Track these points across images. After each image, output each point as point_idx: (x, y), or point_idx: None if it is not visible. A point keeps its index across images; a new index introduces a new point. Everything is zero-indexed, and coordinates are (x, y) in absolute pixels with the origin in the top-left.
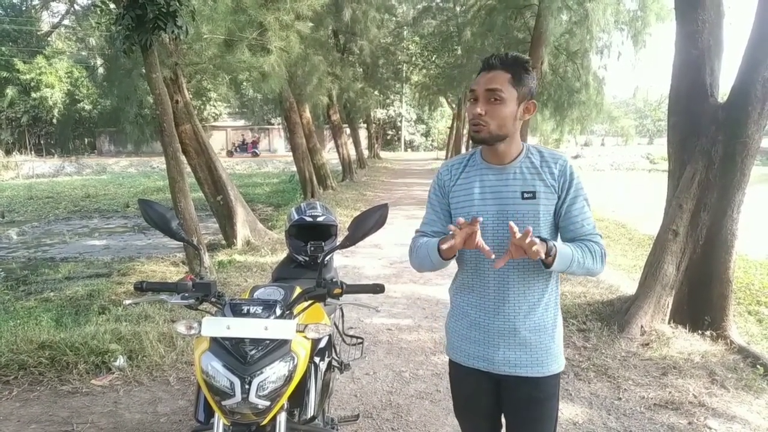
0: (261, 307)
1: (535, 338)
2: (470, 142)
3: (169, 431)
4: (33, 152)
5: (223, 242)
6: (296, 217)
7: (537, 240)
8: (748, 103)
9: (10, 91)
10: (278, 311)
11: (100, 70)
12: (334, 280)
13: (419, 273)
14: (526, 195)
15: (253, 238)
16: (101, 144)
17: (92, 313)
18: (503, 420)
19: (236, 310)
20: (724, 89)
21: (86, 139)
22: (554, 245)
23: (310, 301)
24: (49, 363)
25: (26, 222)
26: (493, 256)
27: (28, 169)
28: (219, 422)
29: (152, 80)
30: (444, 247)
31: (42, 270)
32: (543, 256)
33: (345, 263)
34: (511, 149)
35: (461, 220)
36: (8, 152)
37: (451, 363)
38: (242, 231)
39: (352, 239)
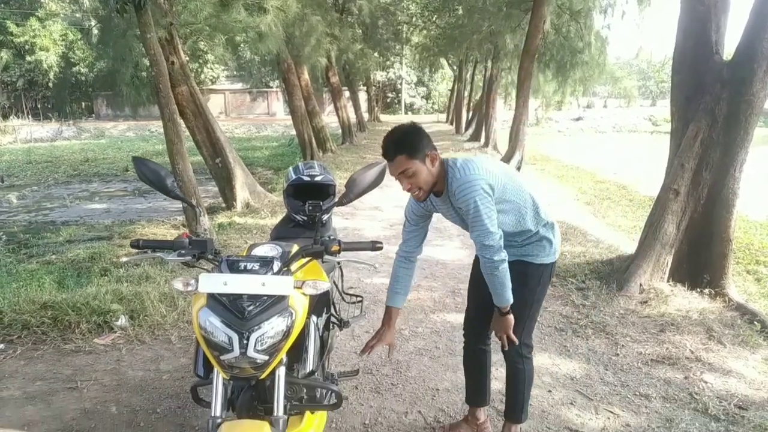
0: (258, 264)
1: (526, 241)
2: (471, 105)
3: (171, 388)
4: (30, 116)
5: (223, 205)
6: (294, 176)
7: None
8: (753, 61)
9: (4, 55)
10: (275, 267)
11: (95, 32)
12: (332, 238)
13: None
14: (460, 210)
15: (253, 201)
16: (99, 108)
17: (94, 274)
18: None
19: (233, 267)
20: (729, 48)
21: (83, 103)
22: (506, 306)
23: (307, 258)
24: (51, 323)
25: (26, 186)
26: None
27: (26, 134)
28: (218, 377)
29: (147, 41)
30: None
31: (43, 233)
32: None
33: (345, 225)
34: (442, 184)
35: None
36: (5, 116)
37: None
38: (241, 193)
39: (348, 197)
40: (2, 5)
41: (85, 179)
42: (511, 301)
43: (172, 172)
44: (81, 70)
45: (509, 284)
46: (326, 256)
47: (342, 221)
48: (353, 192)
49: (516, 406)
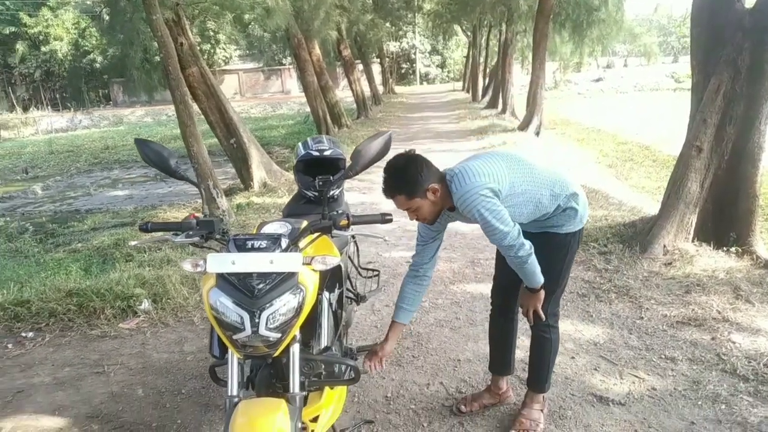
0: (265, 242)
1: (553, 213)
2: (487, 72)
3: (195, 369)
4: (50, 107)
5: (241, 186)
6: (303, 152)
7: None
8: None
9: (20, 47)
10: (284, 244)
11: (105, 18)
12: (341, 212)
13: None
14: (470, 221)
15: (270, 180)
16: (116, 95)
17: (118, 261)
18: None
19: (241, 246)
20: None
21: (100, 91)
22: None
23: (316, 234)
24: (77, 309)
25: (49, 177)
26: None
27: (47, 125)
28: (233, 356)
29: (153, 22)
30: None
31: (69, 222)
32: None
33: (362, 200)
34: (451, 202)
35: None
36: (25, 109)
37: None
38: (258, 173)
39: (354, 169)
40: None
41: (106, 167)
42: (542, 281)
43: (187, 154)
44: (96, 58)
45: (539, 269)
46: (336, 231)
47: (359, 196)
48: (359, 164)
49: (541, 376)
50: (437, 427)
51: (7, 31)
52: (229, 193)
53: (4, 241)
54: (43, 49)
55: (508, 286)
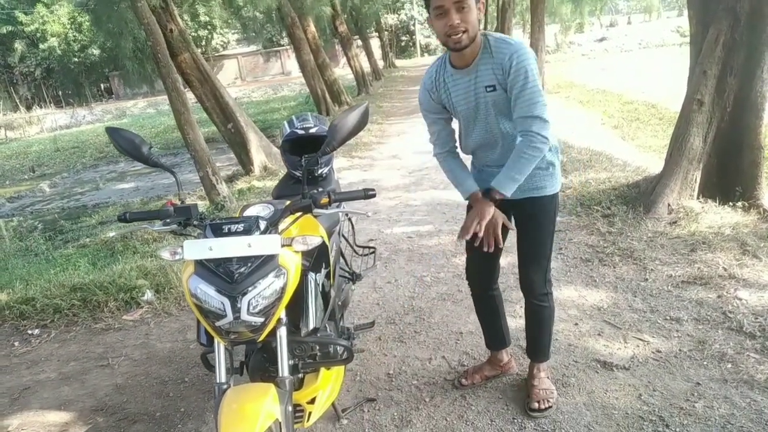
0: (243, 225)
1: (532, 171)
2: None
3: (198, 356)
4: (53, 104)
5: (242, 172)
6: (288, 131)
7: (483, 219)
8: None
9: (18, 45)
10: (262, 227)
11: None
12: (323, 190)
13: (439, 179)
14: (489, 88)
15: (270, 163)
16: (117, 88)
17: (123, 254)
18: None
19: (217, 231)
20: None
21: (102, 85)
22: (496, 191)
23: (298, 214)
24: (81, 304)
25: (56, 174)
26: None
27: (51, 122)
28: (219, 343)
29: (138, 9)
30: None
31: (77, 218)
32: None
33: (363, 177)
34: (475, 49)
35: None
36: (29, 108)
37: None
38: (258, 157)
39: (331, 144)
40: None
41: (111, 160)
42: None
43: (184, 142)
44: (93, 52)
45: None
46: (319, 210)
47: (360, 173)
48: (335, 139)
49: (542, 346)
50: (439, 401)
51: (5, 31)
52: (232, 179)
53: (15, 240)
54: (41, 46)
55: (481, 267)
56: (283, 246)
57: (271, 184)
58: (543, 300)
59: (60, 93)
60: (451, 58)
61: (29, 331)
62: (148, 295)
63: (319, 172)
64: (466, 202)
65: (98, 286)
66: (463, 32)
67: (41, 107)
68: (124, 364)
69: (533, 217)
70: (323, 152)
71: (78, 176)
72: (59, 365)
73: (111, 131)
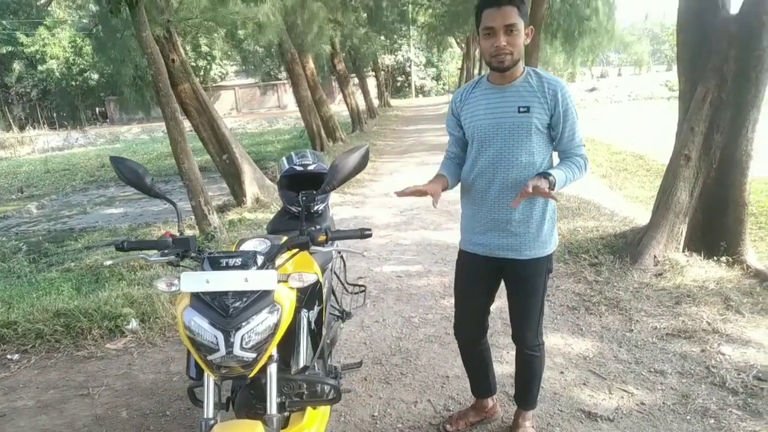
0: (240, 259)
1: (523, 229)
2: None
3: (181, 389)
4: (46, 125)
5: (234, 202)
6: (287, 167)
7: (540, 184)
8: (762, 12)
9: (16, 66)
10: (259, 262)
11: (100, 35)
12: (320, 228)
13: (430, 219)
14: (521, 109)
15: (262, 195)
16: (112, 113)
17: (111, 280)
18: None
19: (215, 264)
20: (736, 3)
21: (97, 109)
22: (554, 179)
23: (295, 250)
24: (64, 330)
25: (44, 195)
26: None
27: (43, 143)
28: (209, 378)
29: (143, 39)
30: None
31: (63, 241)
32: (548, 189)
33: (355, 214)
34: (517, 72)
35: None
36: (22, 128)
37: (460, 251)
38: (251, 189)
39: (331, 184)
40: (11, 16)
41: (102, 185)
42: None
43: (179, 171)
44: (92, 76)
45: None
46: (315, 247)
47: (352, 210)
48: (336, 178)
49: (532, 395)
50: None
51: (4, 51)
52: (223, 209)
53: None
54: (39, 68)
55: (471, 321)
56: (279, 282)
57: (262, 216)
58: (536, 350)
59: (54, 115)
60: (491, 77)
61: (8, 356)
62: (133, 324)
63: (315, 208)
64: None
65: (83, 312)
66: (509, 54)
67: (34, 128)
68: (104, 394)
69: (527, 279)
70: (323, 191)
71: (67, 199)
72: (38, 392)
73: (115, 161)
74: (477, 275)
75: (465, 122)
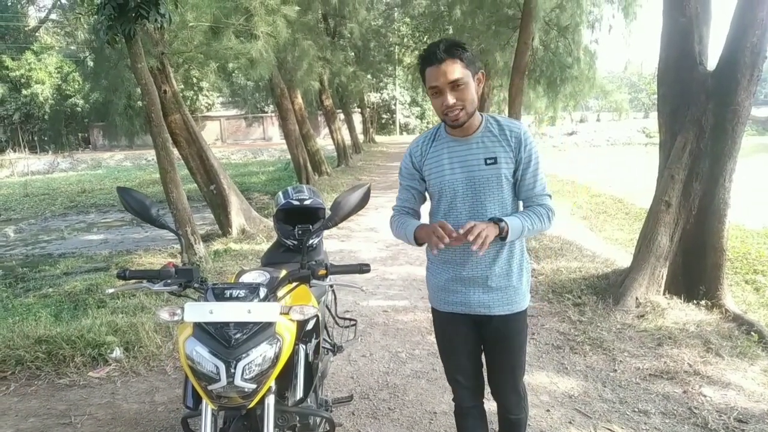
0: (244, 291)
1: (503, 283)
2: None
3: (166, 420)
4: (27, 149)
5: (219, 232)
6: (283, 201)
7: (484, 227)
8: (737, 70)
9: (0, 89)
10: (262, 294)
11: (90, 64)
12: (319, 262)
13: (415, 255)
14: (488, 161)
15: (248, 226)
16: (95, 139)
17: (90, 306)
18: (483, 361)
19: (219, 295)
20: (713, 58)
21: (80, 135)
22: (506, 225)
23: (295, 284)
24: (46, 357)
25: (23, 219)
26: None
27: (23, 167)
28: (207, 408)
29: (137, 70)
30: (422, 243)
31: (41, 267)
32: (495, 236)
33: (341, 248)
34: (474, 122)
35: (452, 232)
36: (2, 150)
37: (434, 311)
38: (237, 219)
39: (333, 220)
40: None
41: (82, 210)
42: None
43: (167, 200)
44: (77, 102)
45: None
46: (314, 281)
47: (338, 244)
48: (338, 215)
49: None
50: None
51: None
52: (207, 239)
53: None
54: (24, 92)
55: (467, 377)
56: (281, 314)
57: (248, 247)
58: (519, 412)
59: (36, 138)
60: (448, 131)
61: None
62: (117, 352)
63: (310, 242)
64: None
65: (65, 339)
66: (460, 110)
67: (15, 151)
68: (87, 424)
69: (506, 338)
70: (325, 226)
71: (46, 224)
72: (17, 421)
73: (122, 191)
74: (462, 335)
75: (430, 177)
